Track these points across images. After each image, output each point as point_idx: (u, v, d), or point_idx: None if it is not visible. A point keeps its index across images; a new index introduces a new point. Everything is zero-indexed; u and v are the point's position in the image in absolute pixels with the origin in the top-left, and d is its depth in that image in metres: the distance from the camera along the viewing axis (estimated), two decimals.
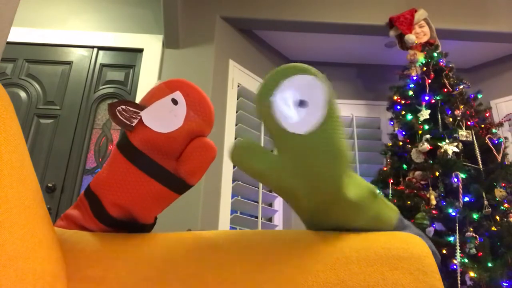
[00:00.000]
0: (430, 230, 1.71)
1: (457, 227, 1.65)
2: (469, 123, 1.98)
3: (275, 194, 2.47)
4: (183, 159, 0.59)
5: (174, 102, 0.58)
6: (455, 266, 1.58)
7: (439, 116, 2.02)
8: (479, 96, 2.16)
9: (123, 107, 0.58)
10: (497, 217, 1.70)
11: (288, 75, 0.51)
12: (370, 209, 0.57)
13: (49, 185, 2.09)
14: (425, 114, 2.04)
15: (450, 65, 2.21)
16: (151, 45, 2.44)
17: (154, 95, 0.60)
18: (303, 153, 0.51)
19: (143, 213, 0.60)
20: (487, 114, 2.11)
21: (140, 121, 0.58)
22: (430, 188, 1.84)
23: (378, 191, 0.59)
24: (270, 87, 0.51)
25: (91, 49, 2.46)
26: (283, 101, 0.50)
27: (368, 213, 0.58)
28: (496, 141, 1.92)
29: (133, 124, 0.58)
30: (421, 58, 2.29)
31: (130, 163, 0.58)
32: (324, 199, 0.54)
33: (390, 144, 2.21)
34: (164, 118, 0.58)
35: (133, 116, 0.58)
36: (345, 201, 0.53)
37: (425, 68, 2.20)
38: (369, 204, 0.56)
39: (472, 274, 1.54)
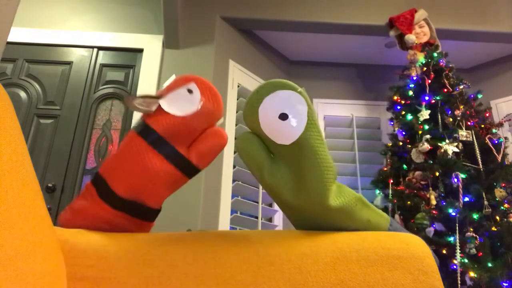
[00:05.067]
0: (430, 230, 1.71)
1: (457, 227, 1.65)
2: (469, 123, 1.98)
3: None
4: (196, 143, 0.64)
5: (190, 91, 0.64)
6: (455, 266, 1.58)
7: (439, 116, 2.02)
8: (479, 96, 2.16)
9: (141, 99, 0.64)
10: (497, 217, 1.70)
11: (270, 92, 0.56)
12: (359, 216, 0.59)
13: (49, 185, 2.09)
14: (425, 114, 2.04)
15: (450, 65, 2.21)
16: (151, 45, 2.44)
17: (170, 87, 0.65)
18: (292, 161, 0.57)
19: (152, 194, 0.63)
20: (487, 114, 2.11)
21: (159, 108, 0.63)
22: (430, 188, 1.83)
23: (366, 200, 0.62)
24: (255, 103, 0.57)
25: (91, 49, 2.46)
26: (267, 116, 0.56)
27: (356, 220, 0.59)
28: (496, 141, 1.92)
29: (153, 109, 0.63)
30: (421, 58, 2.29)
31: (147, 144, 0.62)
32: (307, 205, 0.57)
33: (390, 144, 2.21)
34: (181, 104, 0.64)
35: (152, 103, 0.64)
36: (329, 210, 0.56)
37: (425, 68, 2.20)
38: (357, 211, 0.59)
39: (472, 274, 1.54)
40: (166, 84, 0.67)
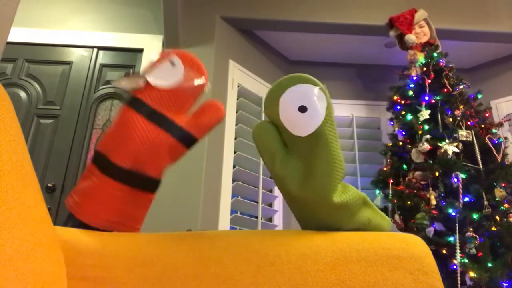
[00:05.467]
0: (430, 230, 1.71)
1: (457, 227, 1.65)
2: (469, 123, 1.98)
3: (275, 194, 2.47)
4: (196, 115, 0.69)
5: (172, 64, 0.69)
6: (455, 266, 1.58)
7: (439, 116, 2.02)
8: (479, 96, 2.16)
9: (129, 79, 0.67)
10: (497, 217, 1.70)
11: (292, 84, 0.57)
12: (361, 215, 0.60)
13: (49, 185, 2.09)
14: (425, 114, 2.04)
15: (450, 65, 2.21)
16: (151, 45, 2.44)
17: (154, 64, 0.70)
18: (304, 154, 0.59)
19: (152, 163, 0.65)
20: (487, 114, 2.11)
21: (146, 83, 0.67)
22: (430, 188, 1.83)
23: (370, 201, 0.64)
24: (277, 93, 0.58)
25: (91, 49, 2.46)
26: (287, 107, 0.57)
27: (357, 220, 0.60)
28: (496, 141, 1.92)
29: (141, 84, 0.67)
30: (421, 58, 2.29)
31: (143, 117, 0.65)
32: (311, 198, 0.58)
33: (390, 144, 2.20)
34: (167, 75, 0.68)
35: (139, 78, 0.67)
36: (332, 206, 0.57)
37: (425, 68, 2.20)
38: (358, 209, 0.60)
39: (472, 274, 1.54)
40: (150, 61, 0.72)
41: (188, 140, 0.68)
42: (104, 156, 0.64)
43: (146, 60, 2.40)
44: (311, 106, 0.57)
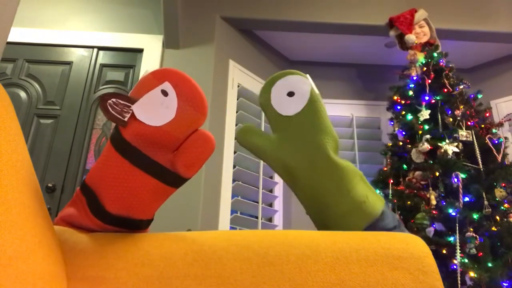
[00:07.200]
0: (430, 230, 1.71)
1: (457, 227, 1.65)
2: (469, 123, 1.98)
3: (275, 194, 2.47)
4: (180, 152, 0.58)
5: (164, 93, 0.56)
6: (455, 266, 1.58)
7: (439, 116, 2.02)
8: (479, 96, 2.16)
9: (114, 100, 0.56)
10: (497, 217, 1.70)
11: (281, 77, 0.68)
12: (358, 188, 0.64)
13: (49, 185, 2.09)
14: (425, 114, 2.04)
15: (450, 65, 2.21)
16: (151, 45, 2.44)
17: (143, 87, 0.58)
18: (294, 130, 0.67)
19: (140, 208, 0.59)
20: (487, 114, 2.11)
21: (132, 114, 0.57)
22: (430, 188, 1.84)
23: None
24: (269, 85, 0.69)
25: (91, 49, 2.46)
26: (277, 94, 0.68)
27: (357, 189, 0.64)
28: (496, 141, 1.92)
29: (126, 119, 0.56)
30: (421, 58, 2.29)
31: (123, 158, 0.57)
32: (312, 162, 0.64)
33: (390, 144, 2.21)
34: (156, 111, 0.56)
35: (125, 110, 0.57)
36: (330, 161, 0.63)
37: (425, 68, 2.20)
38: (356, 178, 0.65)
39: (472, 274, 1.54)
40: (140, 80, 0.60)
41: (176, 182, 0.59)
42: (93, 193, 0.59)
43: (147, 60, 2.40)
44: (297, 91, 0.67)
